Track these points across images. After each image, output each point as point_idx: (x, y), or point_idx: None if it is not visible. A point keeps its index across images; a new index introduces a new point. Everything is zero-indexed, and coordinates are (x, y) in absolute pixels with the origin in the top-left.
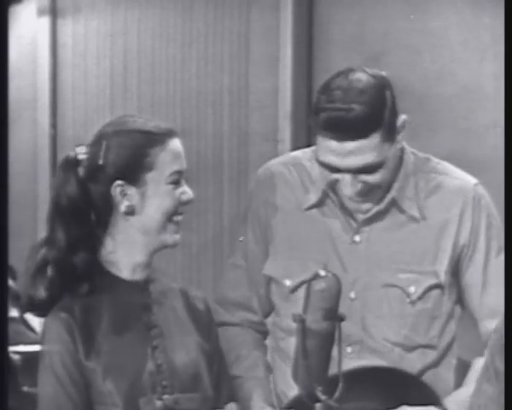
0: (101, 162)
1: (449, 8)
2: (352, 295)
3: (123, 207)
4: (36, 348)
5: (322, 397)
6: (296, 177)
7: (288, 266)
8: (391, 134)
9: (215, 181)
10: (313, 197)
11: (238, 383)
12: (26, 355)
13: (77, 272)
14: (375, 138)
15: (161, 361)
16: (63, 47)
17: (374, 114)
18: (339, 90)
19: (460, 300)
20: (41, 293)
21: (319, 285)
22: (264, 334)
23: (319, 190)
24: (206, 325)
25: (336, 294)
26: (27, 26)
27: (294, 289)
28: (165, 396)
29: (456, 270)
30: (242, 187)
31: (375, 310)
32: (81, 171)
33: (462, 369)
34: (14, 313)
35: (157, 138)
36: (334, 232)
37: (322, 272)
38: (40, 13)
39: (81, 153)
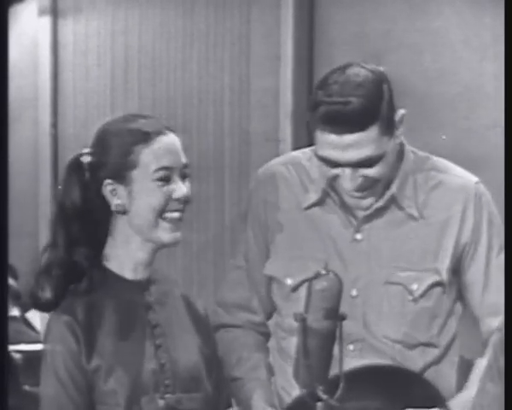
0: (96, 162)
1: (449, 8)
2: (354, 292)
3: (113, 205)
4: (37, 347)
5: (324, 396)
6: (295, 176)
7: (289, 265)
8: (389, 128)
9: (216, 180)
10: (313, 196)
11: (239, 384)
12: (27, 354)
13: (77, 269)
14: (373, 131)
15: (164, 361)
16: (64, 47)
17: (371, 106)
18: (336, 85)
19: (461, 298)
20: (47, 293)
21: (320, 284)
22: (266, 336)
23: (319, 189)
24: (206, 330)
25: (337, 293)
26: (28, 26)
27: (295, 289)
28: (168, 395)
29: (457, 268)
30: (243, 186)
31: (377, 308)
32: (85, 173)
33: (465, 367)
34: (14, 312)
35: (143, 136)
36: (335, 231)
37: (324, 271)
38: (41, 12)
39: (85, 155)
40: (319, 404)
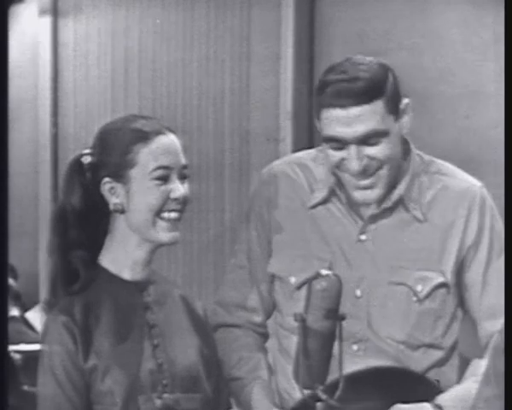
0: (96, 162)
1: (450, 8)
2: (358, 292)
3: (111, 204)
4: (36, 347)
5: (323, 397)
6: (301, 176)
7: (293, 263)
8: (394, 110)
9: (216, 180)
10: (319, 195)
11: (240, 384)
12: (27, 354)
13: (75, 270)
14: (378, 105)
15: (162, 361)
16: (64, 46)
17: (377, 82)
18: (343, 67)
19: (461, 301)
20: (47, 294)
21: (320, 285)
22: (265, 336)
23: (325, 188)
24: (204, 330)
25: (337, 294)
26: (29, 26)
27: (299, 287)
28: (166, 395)
29: (460, 270)
30: (244, 186)
31: (381, 308)
32: (86, 174)
33: (465, 369)
34: (14, 312)
35: (142, 135)
36: (340, 231)
37: (324, 272)
38: (41, 12)
39: (85, 155)
40: (319, 404)
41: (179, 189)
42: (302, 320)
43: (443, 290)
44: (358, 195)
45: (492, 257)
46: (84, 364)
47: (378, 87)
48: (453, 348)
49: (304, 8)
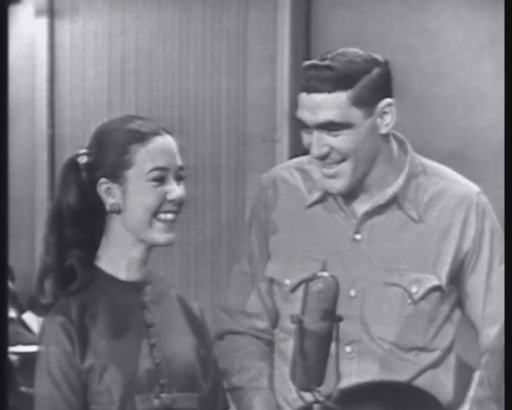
0: (92, 162)
1: (447, 9)
2: (352, 293)
3: (108, 205)
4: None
5: (320, 398)
6: (299, 180)
7: (288, 266)
8: (364, 105)
9: (213, 181)
10: (316, 194)
11: (240, 393)
12: (24, 356)
13: (71, 271)
14: (340, 97)
15: (159, 360)
16: (61, 47)
17: (345, 74)
18: (325, 56)
19: (460, 306)
20: (45, 298)
21: (316, 286)
22: (270, 344)
23: (321, 188)
24: (201, 330)
25: (333, 295)
26: (25, 27)
27: (294, 289)
28: (163, 395)
29: (457, 276)
30: (240, 186)
31: (375, 309)
32: (82, 174)
33: (462, 371)
34: (11, 313)
35: (139, 136)
36: (335, 231)
37: (320, 273)
38: (38, 13)
39: (81, 155)
40: (316, 405)
41: (176, 190)
42: (299, 322)
43: (437, 293)
44: (326, 183)
45: (494, 265)
46: (81, 364)
47: (345, 79)
48: (447, 351)
49: (300, 9)
